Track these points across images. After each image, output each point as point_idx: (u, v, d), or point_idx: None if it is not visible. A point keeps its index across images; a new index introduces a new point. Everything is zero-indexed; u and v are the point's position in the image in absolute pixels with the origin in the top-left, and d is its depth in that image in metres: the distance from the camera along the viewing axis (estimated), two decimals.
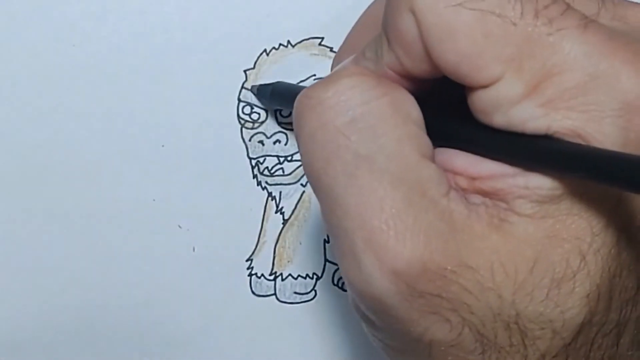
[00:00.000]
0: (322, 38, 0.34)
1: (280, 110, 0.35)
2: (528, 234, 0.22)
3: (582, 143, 0.21)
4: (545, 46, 0.21)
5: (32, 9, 0.33)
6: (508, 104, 0.22)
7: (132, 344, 0.36)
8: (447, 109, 0.24)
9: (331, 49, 0.35)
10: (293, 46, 0.34)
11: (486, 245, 0.22)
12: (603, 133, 0.21)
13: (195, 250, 0.36)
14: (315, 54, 0.34)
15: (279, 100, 0.34)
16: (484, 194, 0.23)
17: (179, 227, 0.35)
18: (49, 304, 0.35)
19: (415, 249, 0.22)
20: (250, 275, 0.36)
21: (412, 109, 0.24)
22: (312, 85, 0.24)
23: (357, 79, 0.23)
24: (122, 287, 0.36)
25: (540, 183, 0.22)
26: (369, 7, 0.30)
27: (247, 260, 0.36)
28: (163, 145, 0.35)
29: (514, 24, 0.22)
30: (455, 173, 0.24)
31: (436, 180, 0.23)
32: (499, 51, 0.22)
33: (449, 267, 0.22)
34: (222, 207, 0.35)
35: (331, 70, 0.30)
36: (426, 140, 0.24)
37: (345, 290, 0.37)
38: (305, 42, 0.34)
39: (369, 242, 0.23)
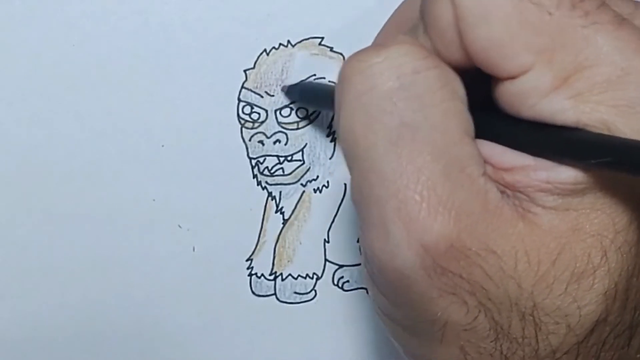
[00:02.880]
0: (322, 38, 0.34)
1: (281, 110, 0.35)
2: (552, 225, 0.22)
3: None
4: (578, 39, 0.21)
5: (32, 9, 0.32)
6: (537, 96, 0.22)
7: (132, 344, 0.36)
8: (476, 100, 0.24)
9: (331, 49, 0.35)
10: (293, 46, 0.34)
11: (513, 232, 0.22)
12: (632, 128, 0.21)
13: (195, 250, 0.36)
14: (315, 54, 0.34)
15: (308, 98, 0.34)
16: (506, 185, 0.23)
17: (179, 227, 0.35)
18: (49, 304, 0.35)
19: (446, 225, 0.22)
20: (250, 275, 0.36)
21: (459, 86, 0.24)
22: (362, 50, 0.24)
23: (409, 47, 0.23)
24: (122, 287, 0.36)
25: (563, 177, 0.22)
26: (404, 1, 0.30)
27: (247, 260, 0.36)
28: (163, 145, 0.34)
29: (550, 14, 0.21)
30: (484, 161, 0.23)
31: (476, 158, 0.23)
32: (531, 40, 0.22)
33: (474, 249, 0.22)
34: (222, 207, 0.35)
35: None
36: (469, 119, 0.23)
37: (346, 290, 0.37)
38: (305, 42, 0.34)
39: (399, 211, 0.22)
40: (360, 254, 0.26)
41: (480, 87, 0.24)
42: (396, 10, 0.30)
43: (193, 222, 0.36)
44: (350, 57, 0.24)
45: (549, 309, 0.22)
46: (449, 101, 0.23)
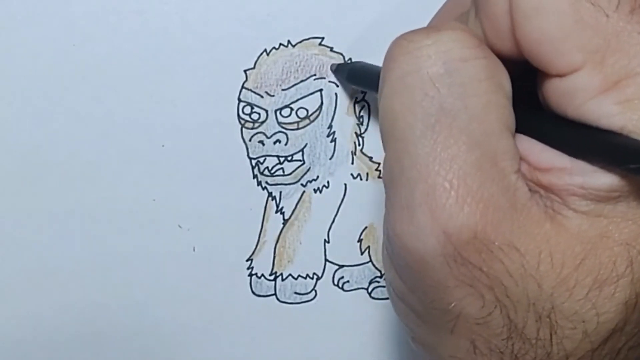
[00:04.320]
0: (322, 38, 0.34)
1: (281, 110, 0.35)
2: (581, 230, 0.22)
3: None
4: (633, 44, 0.21)
5: (32, 9, 0.32)
6: (584, 97, 0.22)
7: (133, 344, 0.36)
8: (520, 93, 0.24)
9: (331, 49, 0.35)
10: (293, 46, 0.34)
11: (539, 232, 0.22)
12: None
13: (195, 250, 0.36)
14: (315, 54, 0.34)
15: (356, 79, 0.34)
16: (540, 185, 0.23)
17: (179, 227, 0.35)
18: (49, 304, 0.35)
19: (471, 216, 0.22)
20: (250, 275, 0.36)
21: (506, 80, 0.23)
22: (412, 31, 0.24)
23: (460, 34, 0.23)
24: (122, 287, 0.36)
25: (599, 183, 0.22)
26: None
27: (247, 260, 0.36)
28: (163, 145, 0.34)
29: (607, 16, 0.21)
30: (520, 158, 0.23)
31: (511, 154, 0.23)
32: (585, 40, 0.21)
33: (497, 243, 0.22)
34: (222, 207, 0.35)
35: None
36: (511, 114, 0.23)
37: (346, 291, 0.37)
38: (305, 42, 0.34)
39: (427, 196, 0.22)
40: (383, 234, 0.25)
41: (527, 80, 0.23)
42: None
43: (193, 222, 0.35)
44: (400, 37, 0.24)
45: (567, 312, 0.22)
46: (493, 93, 0.23)
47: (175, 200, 0.35)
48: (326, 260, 0.37)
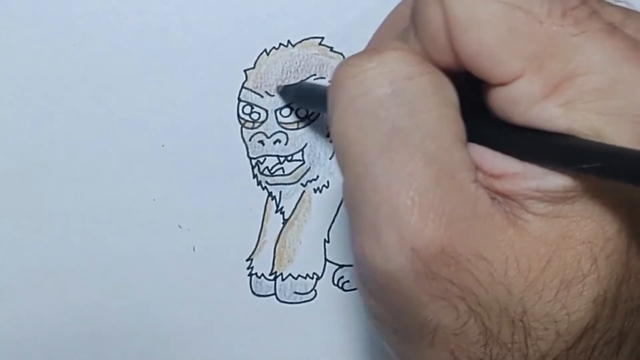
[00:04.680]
0: (322, 38, 0.34)
1: (281, 110, 0.35)
2: (543, 232, 0.22)
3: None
4: (569, 47, 0.21)
5: (32, 9, 0.32)
6: (528, 103, 0.22)
7: (133, 344, 0.36)
8: (467, 103, 0.24)
9: (331, 49, 0.35)
10: (293, 46, 0.34)
11: (503, 238, 0.22)
12: (622, 137, 0.21)
13: (195, 250, 0.36)
14: (315, 54, 0.34)
15: (303, 99, 0.34)
16: (497, 192, 0.23)
17: (179, 227, 0.35)
18: (49, 304, 0.35)
19: (436, 230, 0.22)
20: (250, 275, 0.36)
21: (452, 92, 0.24)
22: (356, 55, 0.24)
23: (402, 54, 0.23)
24: (122, 287, 0.36)
25: (552, 185, 0.22)
26: (398, 4, 0.30)
27: (247, 260, 0.36)
28: (163, 145, 0.34)
29: (540, 22, 0.22)
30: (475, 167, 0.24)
31: (467, 165, 0.23)
32: (522, 47, 0.22)
33: (464, 255, 0.22)
34: (222, 207, 0.35)
35: None
36: (462, 125, 0.23)
37: (346, 290, 0.37)
38: (305, 42, 0.34)
39: (392, 216, 0.22)
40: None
41: (473, 89, 0.24)
42: (390, 14, 0.30)
43: (193, 222, 0.36)
44: (343, 62, 0.24)
45: (538, 315, 0.22)
46: (441, 107, 0.23)
47: (175, 200, 0.35)
48: (326, 260, 0.37)
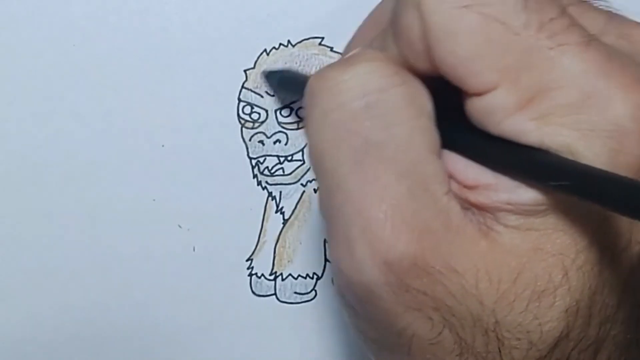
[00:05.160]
0: (322, 38, 0.34)
1: (281, 110, 0.35)
2: (514, 244, 0.22)
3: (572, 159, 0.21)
4: (544, 60, 0.21)
5: (32, 9, 0.32)
6: (502, 115, 0.22)
7: (132, 344, 0.36)
8: (445, 109, 0.24)
9: (331, 49, 0.35)
10: (293, 46, 0.34)
11: (475, 250, 0.22)
12: (594, 152, 0.21)
13: (195, 250, 0.36)
14: (315, 54, 0.34)
15: (286, 87, 0.34)
16: (470, 203, 0.23)
17: (179, 227, 0.35)
18: (49, 304, 0.35)
19: (409, 244, 0.22)
20: (250, 275, 0.36)
21: (426, 102, 0.24)
22: (329, 66, 0.24)
23: (375, 64, 0.23)
24: (122, 287, 0.36)
25: (524, 198, 0.22)
26: (381, 1, 0.30)
27: (247, 260, 0.36)
28: (163, 145, 0.34)
29: (517, 34, 0.21)
30: (448, 176, 0.24)
31: (440, 177, 0.23)
32: (497, 59, 0.22)
33: (437, 267, 0.22)
34: (222, 207, 0.35)
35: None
36: (436, 136, 0.23)
37: None
38: (305, 42, 0.34)
39: (364, 230, 0.23)
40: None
41: (451, 94, 0.24)
42: (369, 15, 0.30)
43: (193, 222, 0.35)
44: (318, 73, 0.24)
45: (510, 325, 0.22)
46: (415, 119, 0.23)
47: (175, 200, 0.35)
48: (326, 260, 0.37)
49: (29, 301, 0.35)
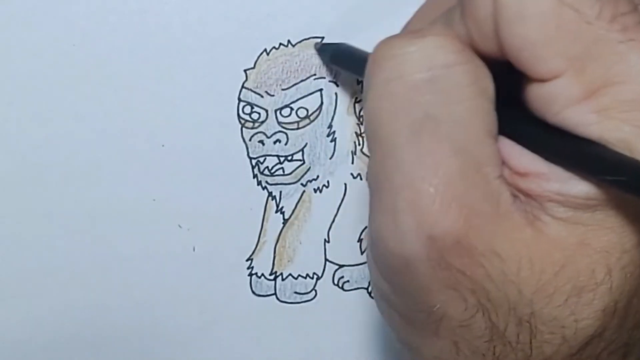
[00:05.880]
0: (322, 38, 0.34)
1: (281, 110, 0.35)
2: (560, 236, 0.22)
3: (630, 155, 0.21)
4: (613, 53, 0.21)
5: (32, 9, 0.32)
6: (563, 104, 0.22)
7: (132, 344, 0.36)
8: (504, 95, 0.24)
9: None
10: (293, 46, 0.34)
11: (520, 237, 0.22)
12: None
13: (195, 250, 0.36)
14: (315, 54, 0.34)
15: (339, 62, 0.33)
16: (520, 190, 0.23)
17: (179, 227, 0.35)
18: (49, 304, 0.35)
19: (456, 221, 0.22)
20: (250, 275, 0.36)
21: (489, 84, 0.23)
22: (396, 36, 0.24)
23: (444, 40, 0.23)
24: (122, 287, 0.36)
25: (575, 191, 0.22)
26: None
27: (247, 260, 0.36)
28: (163, 145, 0.34)
29: (589, 23, 0.21)
30: (502, 161, 0.23)
31: (494, 160, 0.23)
32: (566, 46, 0.21)
33: (479, 249, 0.22)
34: (222, 207, 0.35)
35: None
36: (494, 119, 0.23)
37: (346, 290, 0.37)
38: (305, 41, 0.34)
39: (413, 202, 0.22)
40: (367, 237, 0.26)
41: (511, 79, 0.23)
42: None
43: (193, 222, 0.35)
44: (384, 41, 0.24)
45: (546, 318, 0.22)
46: (476, 99, 0.23)
47: (175, 200, 0.35)
48: (326, 260, 0.37)
49: (29, 301, 0.35)
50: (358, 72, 0.25)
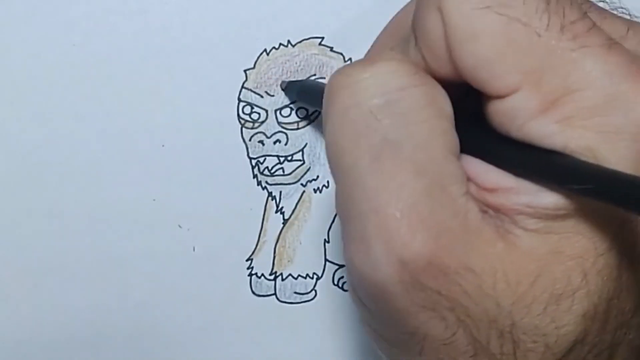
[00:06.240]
0: (322, 38, 0.34)
1: (281, 110, 0.35)
2: (533, 247, 0.22)
3: (595, 163, 0.21)
4: (567, 62, 0.21)
5: (32, 9, 0.32)
6: (524, 117, 0.22)
7: (132, 344, 0.36)
8: (464, 115, 0.24)
9: (331, 49, 0.35)
10: (293, 46, 0.34)
11: (492, 252, 0.22)
12: (617, 155, 0.21)
13: (195, 250, 0.36)
14: (315, 54, 0.34)
15: (306, 97, 0.34)
16: (489, 206, 0.23)
17: (179, 227, 0.35)
18: (49, 304, 0.35)
19: (425, 243, 0.22)
20: (250, 275, 0.36)
21: (446, 104, 0.23)
22: (350, 64, 0.24)
23: (396, 64, 0.23)
24: (122, 287, 0.36)
25: (545, 202, 0.22)
26: (404, 6, 0.30)
27: (247, 260, 0.36)
28: (163, 145, 0.34)
29: (539, 35, 0.21)
30: (467, 179, 0.23)
31: (458, 178, 0.23)
32: (519, 61, 0.21)
33: (452, 267, 0.22)
34: (222, 207, 0.35)
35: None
36: (455, 138, 0.23)
37: (346, 290, 0.37)
38: (305, 42, 0.34)
39: (380, 227, 0.22)
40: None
41: (471, 100, 0.24)
42: (390, 22, 0.30)
43: (193, 222, 0.35)
44: (338, 71, 0.24)
45: (526, 328, 0.22)
46: (434, 119, 0.23)
47: (175, 200, 0.35)
48: (326, 260, 0.37)
49: (29, 301, 0.35)
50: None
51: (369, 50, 0.31)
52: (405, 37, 0.24)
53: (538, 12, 0.21)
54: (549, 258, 0.22)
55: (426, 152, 0.23)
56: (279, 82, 0.35)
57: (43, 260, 0.35)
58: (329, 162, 0.24)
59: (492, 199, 0.23)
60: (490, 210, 0.23)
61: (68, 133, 0.34)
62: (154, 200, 0.35)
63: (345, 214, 0.24)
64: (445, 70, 0.23)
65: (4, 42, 0.33)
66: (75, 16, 0.33)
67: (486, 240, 0.22)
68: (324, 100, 0.24)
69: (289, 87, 0.34)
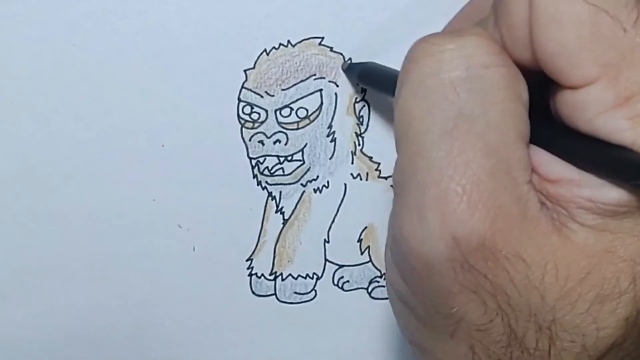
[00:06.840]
0: (322, 38, 0.34)
1: (281, 110, 0.35)
2: (587, 243, 0.22)
3: None
4: None
5: (32, 9, 0.32)
6: (596, 111, 0.22)
7: (132, 344, 0.36)
8: (534, 104, 0.24)
9: (331, 49, 0.35)
10: (293, 46, 0.34)
11: (546, 243, 0.22)
12: None
13: (195, 250, 0.36)
14: (315, 54, 0.34)
15: (368, 80, 0.33)
16: (549, 197, 0.23)
17: (179, 227, 0.35)
18: (48, 304, 0.35)
19: (481, 223, 0.22)
20: (250, 275, 0.36)
21: (523, 90, 0.23)
22: (435, 34, 0.24)
23: (483, 40, 0.23)
24: (122, 287, 0.36)
25: (607, 197, 0.22)
26: None
27: (247, 260, 0.36)
28: (163, 145, 0.34)
29: (625, 30, 0.21)
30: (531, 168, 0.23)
31: (524, 164, 0.23)
32: (601, 53, 0.21)
33: (504, 252, 0.22)
34: (222, 207, 0.35)
35: None
36: (527, 124, 0.23)
37: (346, 290, 0.37)
38: (305, 42, 0.34)
39: (439, 200, 0.22)
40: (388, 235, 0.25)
41: (541, 91, 0.23)
42: (467, 4, 0.30)
43: (193, 222, 0.35)
44: (422, 39, 0.24)
45: (567, 325, 0.22)
46: (511, 102, 0.23)
47: (175, 200, 0.35)
48: (326, 260, 0.37)
49: (29, 301, 0.35)
50: (386, 89, 0.25)
51: (446, 25, 0.30)
52: (485, 18, 0.24)
53: (628, 7, 0.21)
54: (601, 257, 0.22)
55: (498, 133, 0.23)
56: (279, 82, 0.35)
57: (43, 260, 0.35)
58: (396, 129, 0.24)
59: (553, 189, 0.23)
60: (549, 202, 0.23)
61: (68, 133, 0.34)
62: (153, 200, 0.35)
63: (404, 182, 0.24)
64: (522, 54, 0.23)
65: (4, 42, 0.33)
66: (75, 16, 0.33)
67: (542, 231, 0.22)
68: (402, 65, 0.24)
69: (350, 68, 0.34)
